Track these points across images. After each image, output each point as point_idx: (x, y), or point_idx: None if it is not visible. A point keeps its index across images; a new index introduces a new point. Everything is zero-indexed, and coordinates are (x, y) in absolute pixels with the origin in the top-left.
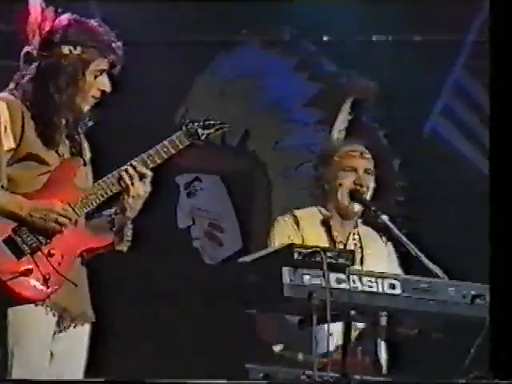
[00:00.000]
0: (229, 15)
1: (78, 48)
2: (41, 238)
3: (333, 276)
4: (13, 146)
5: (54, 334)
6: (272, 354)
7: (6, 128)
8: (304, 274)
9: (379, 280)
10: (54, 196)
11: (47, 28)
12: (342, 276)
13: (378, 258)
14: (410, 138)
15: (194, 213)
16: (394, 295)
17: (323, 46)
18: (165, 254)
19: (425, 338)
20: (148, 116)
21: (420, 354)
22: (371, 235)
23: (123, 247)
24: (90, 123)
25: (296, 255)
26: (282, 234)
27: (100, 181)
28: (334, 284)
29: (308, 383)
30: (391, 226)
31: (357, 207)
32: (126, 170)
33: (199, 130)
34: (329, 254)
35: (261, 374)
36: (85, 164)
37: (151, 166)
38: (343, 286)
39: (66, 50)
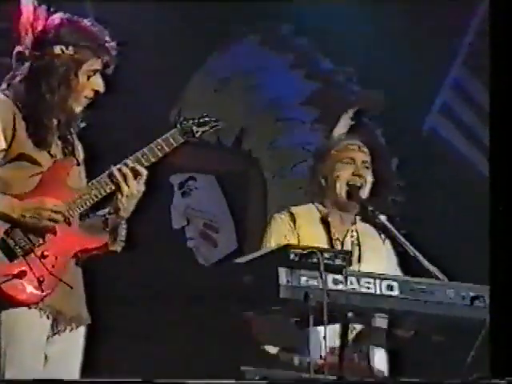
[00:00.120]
0: (224, 12)
1: (71, 48)
2: (34, 239)
3: (330, 277)
4: (4, 146)
5: (48, 337)
6: (268, 357)
7: None
8: (300, 275)
9: (377, 281)
10: (47, 197)
11: (39, 27)
12: (339, 277)
13: (377, 256)
14: (409, 137)
15: (189, 213)
16: (391, 297)
17: (320, 44)
18: (159, 255)
19: (423, 340)
20: (142, 116)
21: (418, 357)
22: (369, 232)
23: (117, 247)
24: (83, 124)
25: (292, 256)
26: (279, 232)
27: (94, 180)
28: (330, 285)
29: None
30: (389, 226)
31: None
32: (120, 169)
33: (194, 128)
34: (326, 255)
35: (257, 377)
36: (78, 164)
37: (146, 164)
38: (340, 287)
39: (58, 49)
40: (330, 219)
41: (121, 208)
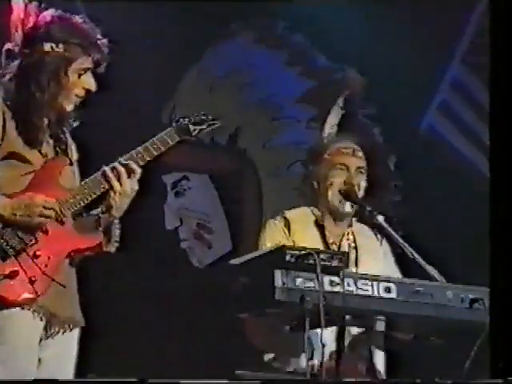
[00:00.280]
0: (217, 9)
1: (61, 45)
2: (26, 238)
3: (326, 279)
4: None
5: (42, 339)
6: (262, 360)
7: None
8: (296, 276)
9: (374, 283)
10: (37, 193)
11: (30, 24)
12: (336, 279)
13: (374, 258)
14: (407, 136)
15: (182, 213)
16: (389, 299)
17: (317, 41)
18: (152, 256)
19: (421, 343)
20: (135, 115)
21: (417, 360)
22: (366, 234)
23: (111, 248)
24: (76, 123)
25: (288, 257)
26: (273, 239)
27: (87, 179)
28: (327, 287)
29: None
30: (387, 227)
31: (348, 207)
32: (114, 167)
33: (190, 126)
34: (322, 256)
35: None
36: (71, 163)
37: (141, 164)
38: (337, 289)
39: (47, 47)
40: (324, 223)
41: (113, 206)
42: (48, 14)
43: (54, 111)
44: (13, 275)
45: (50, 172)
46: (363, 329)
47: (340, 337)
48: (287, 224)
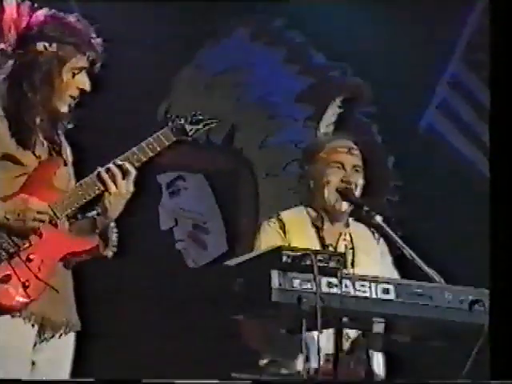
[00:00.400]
0: (214, 5)
1: (54, 45)
2: (19, 242)
3: (324, 280)
4: None
5: (36, 344)
6: (259, 363)
7: None
8: (293, 277)
9: (372, 284)
10: (31, 197)
11: (23, 24)
12: (334, 280)
13: (371, 258)
14: (406, 135)
15: (177, 213)
16: (387, 300)
17: (314, 38)
18: (147, 257)
19: (420, 345)
20: (130, 114)
21: (415, 362)
22: (363, 234)
23: (108, 252)
24: (70, 125)
25: (285, 258)
26: (268, 242)
27: (81, 181)
28: (324, 288)
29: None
30: (385, 227)
31: (344, 206)
32: (109, 169)
33: (186, 126)
34: (319, 257)
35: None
36: (65, 164)
37: (136, 164)
38: (335, 290)
39: (40, 46)
40: (320, 223)
41: (108, 208)
42: (41, 13)
43: (47, 112)
44: (6, 279)
45: (43, 174)
46: (361, 331)
47: (338, 339)
48: (282, 225)
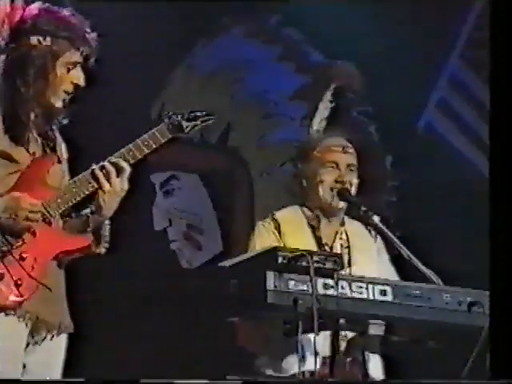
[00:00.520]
0: (208, 3)
1: (48, 39)
2: (12, 240)
3: (320, 281)
4: None
5: (28, 345)
6: (254, 364)
7: None
8: (289, 279)
9: (369, 286)
10: (23, 195)
11: (16, 18)
12: (330, 281)
13: (368, 257)
14: (404, 134)
15: (171, 213)
16: (385, 302)
17: (311, 36)
18: (140, 257)
19: (418, 347)
20: (125, 110)
21: (413, 364)
22: (359, 232)
23: (101, 249)
24: (65, 121)
25: (280, 259)
26: (263, 242)
27: (75, 178)
28: (321, 290)
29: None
30: (383, 227)
31: (341, 204)
32: (103, 166)
33: (183, 123)
34: (316, 258)
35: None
36: (59, 161)
37: (131, 161)
38: (331, 292)
39: (34, 40)
40: (315, 222)
41: (102, 206)
42: (35, 6)
43: (40, 107)
44: None
45: (37, 171)
46: (358, 333)
47: (334, 341)
48: (277, 226)
